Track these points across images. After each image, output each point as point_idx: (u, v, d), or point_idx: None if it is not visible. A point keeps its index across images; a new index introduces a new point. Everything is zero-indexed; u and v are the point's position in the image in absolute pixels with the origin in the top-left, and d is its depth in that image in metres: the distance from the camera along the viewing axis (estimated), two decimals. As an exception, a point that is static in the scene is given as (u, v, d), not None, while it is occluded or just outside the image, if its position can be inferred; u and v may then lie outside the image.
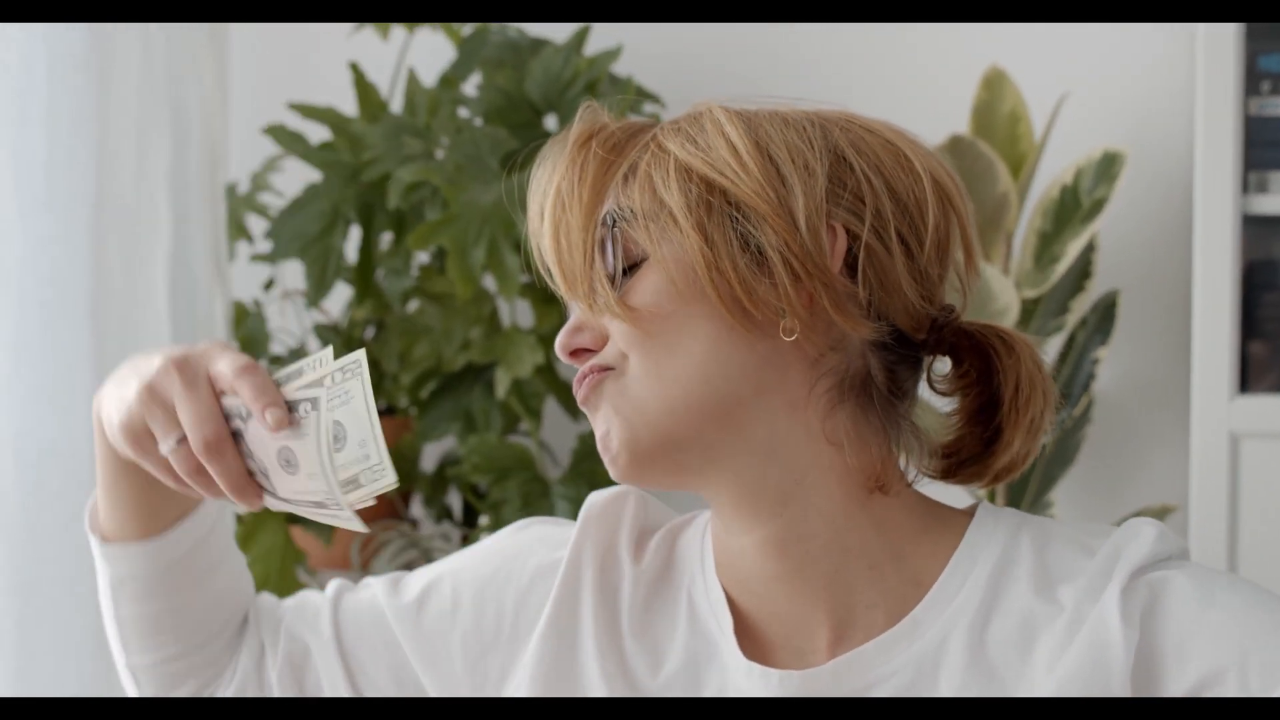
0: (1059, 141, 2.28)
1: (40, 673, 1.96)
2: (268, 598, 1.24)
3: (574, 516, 1.17)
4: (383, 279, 2.44)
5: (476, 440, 2.30)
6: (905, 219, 1.05)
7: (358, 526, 1.01)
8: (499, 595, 1.16)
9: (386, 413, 2.50)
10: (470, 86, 2.49)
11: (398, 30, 2.54)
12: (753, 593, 1.09)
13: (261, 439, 1.01)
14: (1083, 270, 2.23)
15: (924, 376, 1.10)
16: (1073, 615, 1.02)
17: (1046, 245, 2.19)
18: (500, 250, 2.23)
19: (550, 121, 2.37)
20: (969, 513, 1.09)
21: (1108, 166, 2.17)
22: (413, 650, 1.18)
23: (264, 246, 2.54)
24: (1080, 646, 1.01)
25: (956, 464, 1.10)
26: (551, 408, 2.50)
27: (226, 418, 1.03)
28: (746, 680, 1.07)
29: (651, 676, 1.10)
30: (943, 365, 1.11)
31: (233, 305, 2.33)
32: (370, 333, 2.51)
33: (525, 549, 1.18)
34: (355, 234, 2.44)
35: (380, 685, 1.18)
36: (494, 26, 2.44)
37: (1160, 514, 2.18)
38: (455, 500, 2.54)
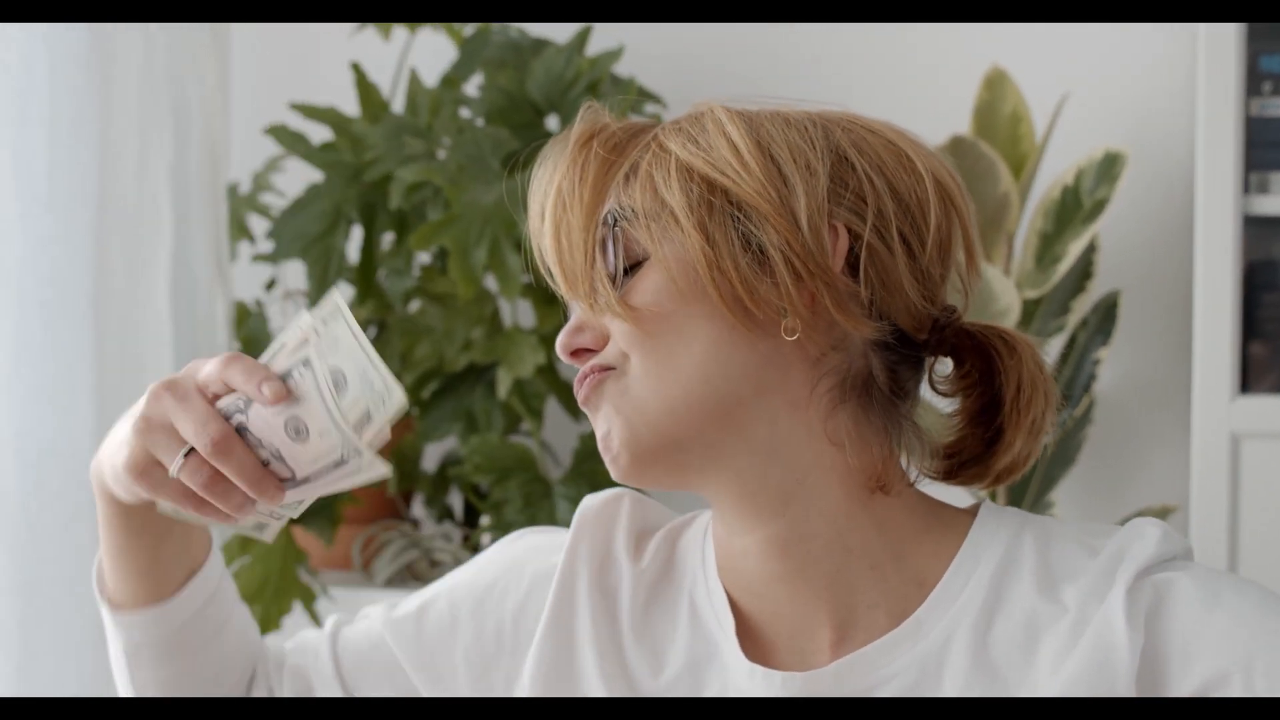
0: (1060, 142, 2.28)
1: (41, 672, 1.96)
2: (268, 642, 1.23)
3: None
4: (384, 279, 2.44)
5: (478, 440, 2.30)
6: (907, 219, 1.05)
7: (381, 468, 0.98)
8: (498, 608, 1.16)
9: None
10: (472, 87, 2.49)
11: (399, 30, 2.54)
12: (754, 593, 1.08)
13: (266, 421, 1.00)
14: (1084, 271, 2.23)
15: (925, 377, 1.10)
16: (1077, 616, 1.02)
17: (1048, 245, 2.19)
18: (502, 250, 2.23)
19: (552, 122, 2.37)
20: (971, 512, 1.09)
21: (1109, 167, 2.17)
22: (415, 667, 1.17)
23: (265, 246, 2.54)
24: (1085, 649, 1.01)
25: (958, 465, 1.10)
26: (553, 408, 2.50)
27: (226, 419, 1.02)
28: (748, 682, 1.07)
29: (653, 678, 1.10)
30: (944, 366, 1.11)
31: (234, 305, 2.33)
32: (372, 333, 2.51)
33: (520, 559, 1.18)
34: (357, 234, 2.45)
35: None
36: (496, 27, 2.44)
37: (1161, 514, 2.18)
38: (457, 500, 2.54)
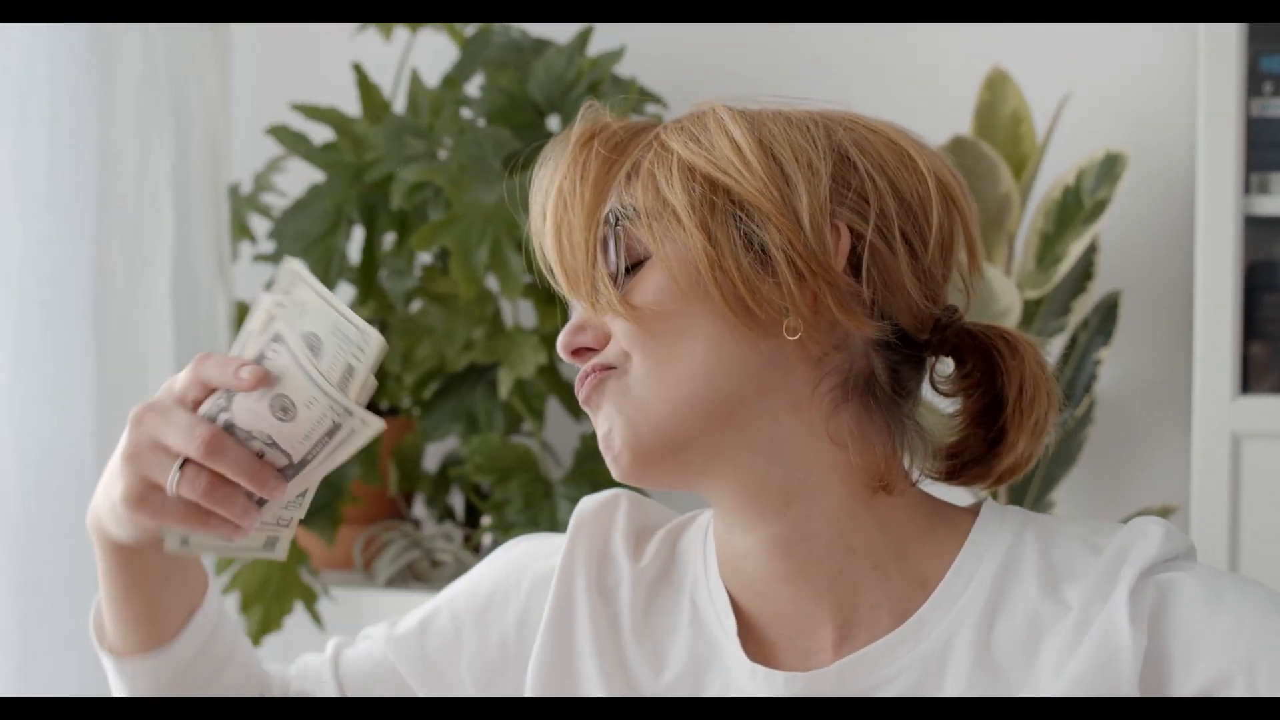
0: (1061, 142, 2.28)
1: (41, 672, 1.96)
2: (270, 669, 1.22)
3: (577, 517, 1.17)
4: (386, 279, 2.44)
5: (479, 441, 2.30)
6: (909, 218, 1.05)
7: (375, 425, 0.96)
8: (500, 617, 1.16)
9: (390, 413, 2.51)
10: (473, 87, 2.49)
11: (400, 31, 2.54)
12: (756, 593, 1.08)
13: (251, 410, 0.98)
14: (1084, 271, 2.23)
15: (927, 377, 1.09)
16: (1080, 616, 1.02)
17: (1048, 246, 2.19)
18: (503, 251, 2.23)
19: (553, 122, 2.37)
20: (973, 511, 1.09)
21: (1110, 167, 2.17)
22: (420, 683, 1.17)
23: (267, 247, 2.54)
24: (1088, 649, 1.01)
25: (960, 465, 1.10)
26: (554, 408, 2.50)
27: (211, 420, 1.00)
28: (750, 682, 1.07)
29: (654, 678, 1.10)
30: (945, 366, 1.10)
31: (235, 305, 2.33)
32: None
33: (518, 566, 1.18)
34: (358, 234, 2.45)
35: None
36: (497, 27, 2.44)
37: (1161, 514, 2.18)
38: (458, 500, 2.54)
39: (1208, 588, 1.01)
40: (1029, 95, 2.24)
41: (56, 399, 1.98)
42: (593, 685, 1.11)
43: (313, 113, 2.42)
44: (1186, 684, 1.00)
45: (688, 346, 1.03)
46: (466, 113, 2.45)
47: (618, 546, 1.14)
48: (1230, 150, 2.09)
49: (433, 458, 2.56)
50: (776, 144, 1.03)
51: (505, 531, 2.28)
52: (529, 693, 1.12)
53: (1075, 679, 1.00)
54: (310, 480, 1.01)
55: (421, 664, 1.17)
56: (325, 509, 2.32)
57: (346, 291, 2.55)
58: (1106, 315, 2.25)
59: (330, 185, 2.39)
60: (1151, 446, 2.36)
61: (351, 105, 2.52)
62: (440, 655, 1.16)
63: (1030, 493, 2.21)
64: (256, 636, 2.27)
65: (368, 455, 2.39)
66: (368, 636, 1.21)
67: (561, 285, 1.08)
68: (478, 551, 2.43)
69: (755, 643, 1.08)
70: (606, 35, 2.45)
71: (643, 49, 2.45)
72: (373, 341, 0.96)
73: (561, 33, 2.46)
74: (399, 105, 2.53)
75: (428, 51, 2.54)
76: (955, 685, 1.03)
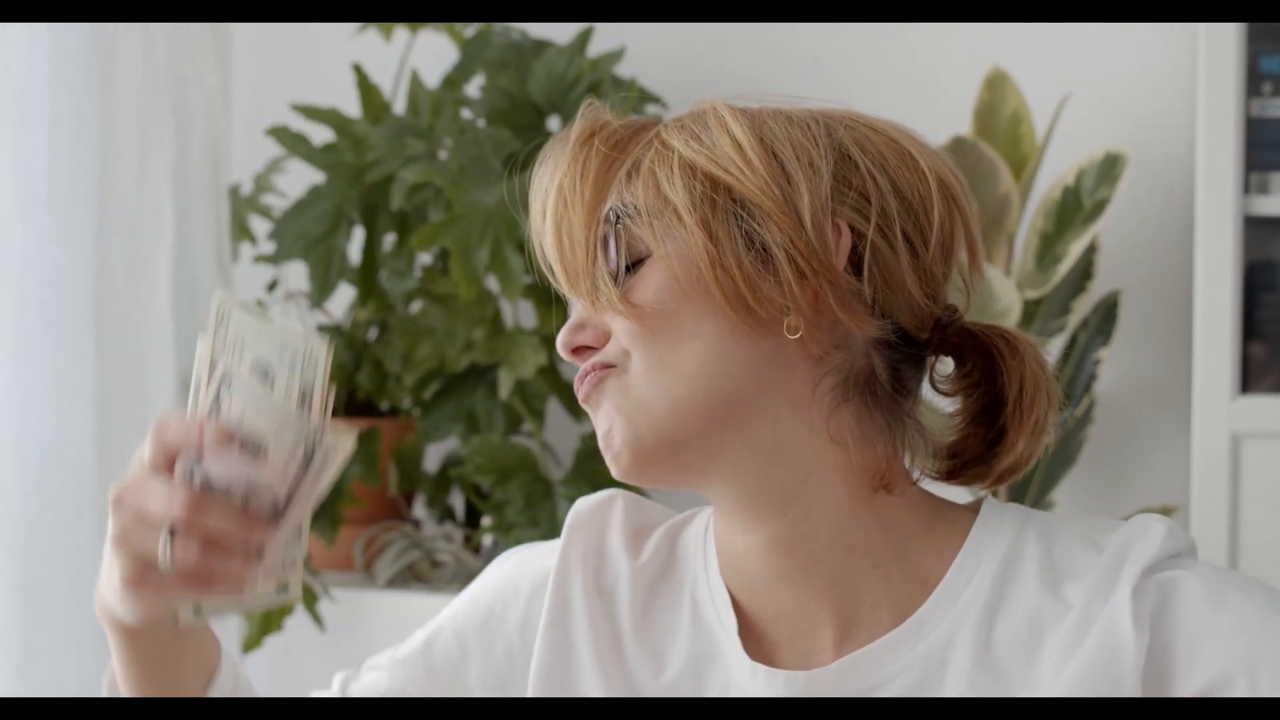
0: (1061, 142, 2.28)
1: (41, 672, 1.96)
2: None
3: (577, 516, 1.17)
4: (386, 280, 2.44)
5: (479, 441, 2.30)
6: (910, 217, 1.05)
7: (346, 443, 0.94)
8: (503, 627, 1.16)
9: (390, 413, 2.51)
10: (473, 88, 2.49)
11: (400, 31, 2.54)
12: (757, 592, 1.08)
13: (223, 462, 0.96)
14: (1084, 271, 2.23)
15: (927, 376, 1.09)
16: (1081, 615, 1.02)
17: (1048, 246, 2.19)
18: (503, 251, 2.23)
19: (553, 123, 2.37)
20: (974, 509, 1.09)
21: (1109, 167, 2.17)
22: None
23: (267, 248, 2.54)
24: (1090, 648, 1.00)
25: (960, 465, 1.10)
26: (554, 408, 2.50)
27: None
28: (751, 682, 1.07)
29: (654, 678, 1.10)
30: (945, 365, 1.10)
31: (235, 306, 2.33)
32: (373, 334, 2.52)
33: (515, 575, 1.17)
34: (358, 235, 2.45)
35: None
36: (497, 28, 2.44)
37: (1162, 514, 2.18)
38: (458, 501, 2.54)
39: (1210, 587, 1.01)
40: (1029, 95, 2.24)
41: (56, 399, 1.98)
42: (592, 684, 1.11)
43: (313, 113, 2.42)
44: (1188, 683, 1.00)
45: (688, 345, 1.03)
46: (466, 113, 2.45)
47: (615, 545, 1.14)
48: (1230, 150, 2.09)
49: (433, 458, 2.56)
50: (778, 142, 1.03)
51: (505, 532, 2.28)
52: (529, 693, 1.12)
53: (1077, 678, 1.00)
54: (300, 514, 0.98)
55: (429, 683, 1.16)
56: (326, 509, 2.33)
57: (347, 292, 2.56)
58: (1106, 315, 2.25)
59: (330, 186, 2.39)
60: (1151, 446, 2.36)
61: (351, 106, 2.52)
62: (447, 671, 1.16)
63: (1030, 492, 2.21)
64: (257, 638, 2.27)
65: (368, 456, 2.40)
66: (373, 667, 1.20)
67: (561, 284, 1.07)
68: (478, 552, 2.43)
69: (756, 642, 1.08)
70: (606, 36, 2.45)
71: (643, 49, 2.45)
72: (319, 348, 0.94)
73: (561, 33, 2.46)
74: (399, 106, 2.53)
75: (428, 52, 2.54)
76: (956, 684, 1.03)
